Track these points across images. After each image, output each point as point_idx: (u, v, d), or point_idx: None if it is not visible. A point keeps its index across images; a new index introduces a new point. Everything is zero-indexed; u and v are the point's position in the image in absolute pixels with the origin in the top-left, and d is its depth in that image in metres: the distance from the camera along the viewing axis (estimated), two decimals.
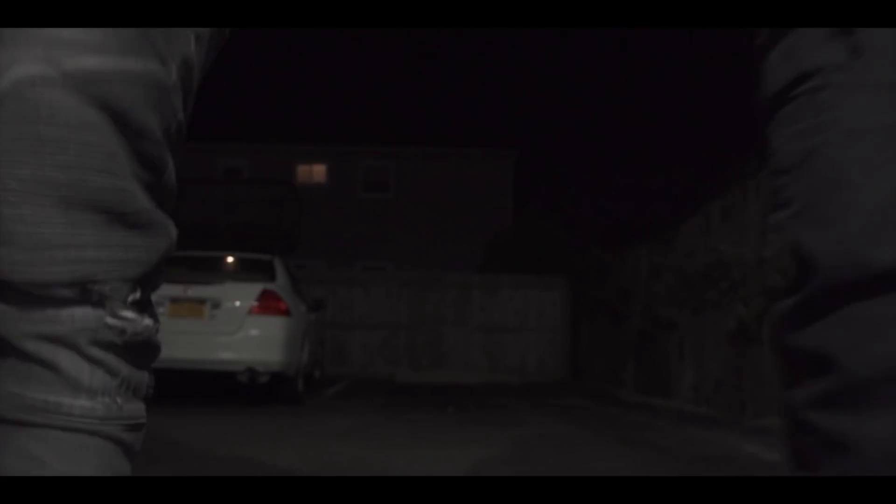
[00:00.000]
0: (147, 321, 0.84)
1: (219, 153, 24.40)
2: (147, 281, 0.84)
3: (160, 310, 6.94)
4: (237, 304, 7.88)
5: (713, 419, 7.32)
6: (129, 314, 0.81)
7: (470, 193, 23.25)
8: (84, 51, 0.76)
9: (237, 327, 7.79)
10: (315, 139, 24.38)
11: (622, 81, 45.00)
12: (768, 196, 4.95)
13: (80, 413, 0.79)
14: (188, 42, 0.86)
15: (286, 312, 8.03)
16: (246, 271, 8.78)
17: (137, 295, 0.83)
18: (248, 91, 34.15)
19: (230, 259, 9.13)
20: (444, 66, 44.06)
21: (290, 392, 8.35)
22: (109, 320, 0.80)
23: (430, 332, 14.94)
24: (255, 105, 28.99)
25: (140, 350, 0.84)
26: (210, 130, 25.21)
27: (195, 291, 7.84)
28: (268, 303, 7.92)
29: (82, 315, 0.78)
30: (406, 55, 44.16)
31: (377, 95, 36.48)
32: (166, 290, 7.77)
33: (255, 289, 7.98)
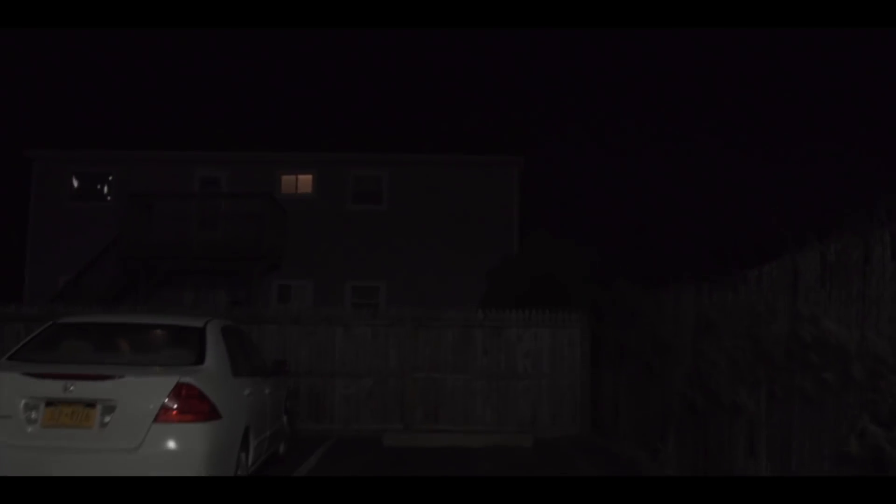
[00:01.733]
0: None
1: (195, 163, 22.21)
2: None
3: (32, 415, 4.54)
4: (140, 406, 5.57)
5: None
6: None
7: (471, 205, 20.95)
8: None
9: (139, 441, 5.49)
10: (300, 146, 22.15)
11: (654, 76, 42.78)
12: None
13: None
14: None
15: (210, 415, 5.71)
16: (161, 350, 6.45)
17: None
18: (228, 95, 31.87)
19: (142, 330, 6.75)
20: (440, 67, 41.76)
21: None
22: None
23: (425, 381, 12.64)
24: (236, 110, 26.73)
25: None
26: (186, 138, 22.98)
27: (81, 389, 5.54)
28: (184, 403, 5.61)
29: None
30: (399, 56, 41.85)
31: (368, 99, 34.19)
32: (40, 389, 5.48)
33: (167, 383, 5.66)
